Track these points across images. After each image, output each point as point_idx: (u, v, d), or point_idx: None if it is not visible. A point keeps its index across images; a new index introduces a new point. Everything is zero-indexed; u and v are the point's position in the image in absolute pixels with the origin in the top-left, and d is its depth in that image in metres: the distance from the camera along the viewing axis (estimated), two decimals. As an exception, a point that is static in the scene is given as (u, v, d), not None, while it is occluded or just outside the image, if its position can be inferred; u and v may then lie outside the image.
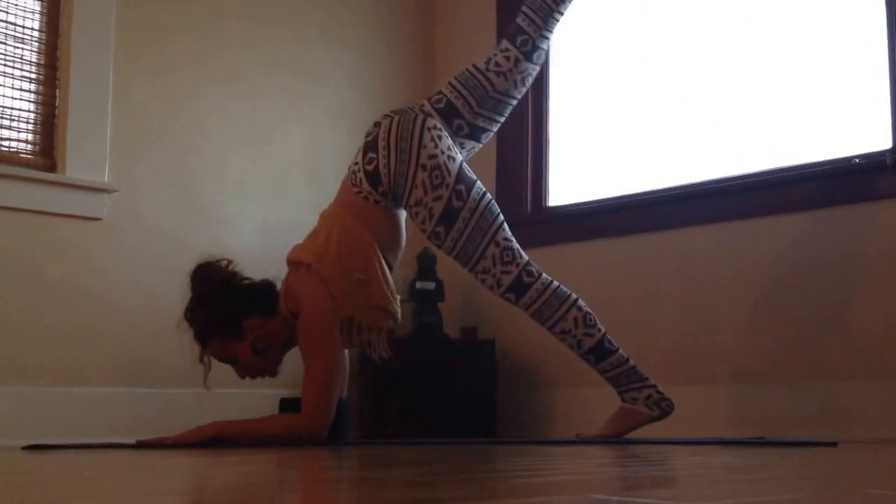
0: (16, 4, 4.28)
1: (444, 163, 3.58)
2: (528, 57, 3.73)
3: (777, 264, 4.29)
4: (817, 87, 4.34)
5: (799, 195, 4.26)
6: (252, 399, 3.92)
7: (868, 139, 4.16)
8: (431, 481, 1.71)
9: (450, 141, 3.66)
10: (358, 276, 3.52)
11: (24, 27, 4.29)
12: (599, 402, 4.67)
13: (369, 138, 3.65)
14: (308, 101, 5.06)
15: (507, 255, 3.62)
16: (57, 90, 4.34)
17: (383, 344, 3.67)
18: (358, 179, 3.61)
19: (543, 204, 5.22)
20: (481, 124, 3.78)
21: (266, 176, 4.86)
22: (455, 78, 3.78)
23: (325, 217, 3.68)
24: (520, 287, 3.63)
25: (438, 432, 4.57)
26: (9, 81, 4.24)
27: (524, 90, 3.83)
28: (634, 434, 3.75)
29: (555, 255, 4.97)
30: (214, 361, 3.61)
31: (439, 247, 3.66)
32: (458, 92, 3.73)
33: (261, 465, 2.27)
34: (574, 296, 3.67)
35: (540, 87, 5.24)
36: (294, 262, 3.60)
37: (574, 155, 5.17)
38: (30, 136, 4.27)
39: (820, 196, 4.20)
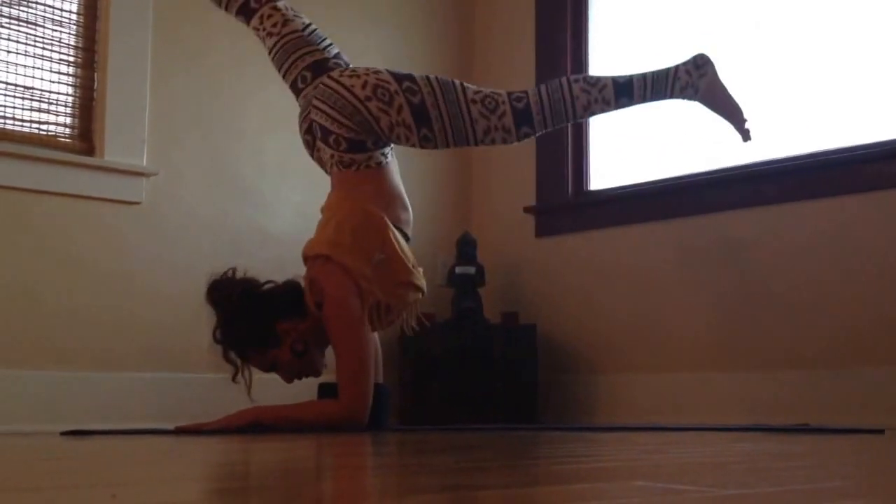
0: (53, -13, 4.27)
1: (376, 79, 3.55)
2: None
3: (823, 249, 4.24)
4: (863, 68, 4.28)
5: (846, 178, 4.20)
6: (291, 384, 3.89)
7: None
8: (472, 468, 1.69)
9: (361, 66, 3.64)
10: (379, 257, 3.47)
11: (62, 10, 4.29)
12: (641, 388, 4.66)
13: (319, 134, 3.62)
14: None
15: (490, 103, 3.60)
16: (95, 73, 4.34)
17: (413, 318, 3.64)
18: (347, 161, 3.57)
19: (585, 187, 5.18)
20: (335, 49, 3.80)
21: (305, 159, 4.82)
22: (281, 66, 3.81)
23: (328, 208, 3.63)
24: (522, 115, 3.61)
25: (479, 418, 4.55)
26: (47, 65, 4.23)
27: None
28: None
29: (596, 238, 4.94)
30: (255, 371, 3.56)
31: (436, 146, 3.64)
32: (297, 58, 3.76)
33: (299, 451, 2.26)
34: (563, 77, 3.69)
35: (580, 68, 5.21)
36: (311, 257, 3.55)
37: (616, 137, 5.12)
38: (68, 120, 4.27)
39: (869, 178, 4.14)
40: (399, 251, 3.51)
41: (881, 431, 3.14)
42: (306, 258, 3.56)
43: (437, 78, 3.61)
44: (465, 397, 4.68)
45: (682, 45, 4.86)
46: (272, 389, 3.56)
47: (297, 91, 3.77)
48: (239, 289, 3.53)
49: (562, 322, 4.99)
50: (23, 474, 1.67)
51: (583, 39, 5.27)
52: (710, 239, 4.57)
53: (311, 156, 3.77)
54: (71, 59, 4.30)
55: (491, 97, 3.61)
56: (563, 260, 5.08)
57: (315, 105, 3.59)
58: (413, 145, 3.61)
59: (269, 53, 3.82)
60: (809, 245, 4.26)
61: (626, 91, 3.68)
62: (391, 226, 3.52)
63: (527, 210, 5.23)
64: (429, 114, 3.55)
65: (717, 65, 3.78)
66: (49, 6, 4.25)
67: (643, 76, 3.70)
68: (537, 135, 3.68)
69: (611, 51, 5.19)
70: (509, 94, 3.62)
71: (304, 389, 3.64)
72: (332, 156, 3.58)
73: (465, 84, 3.63)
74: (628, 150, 5.05)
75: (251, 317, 3.48)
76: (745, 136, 3.83)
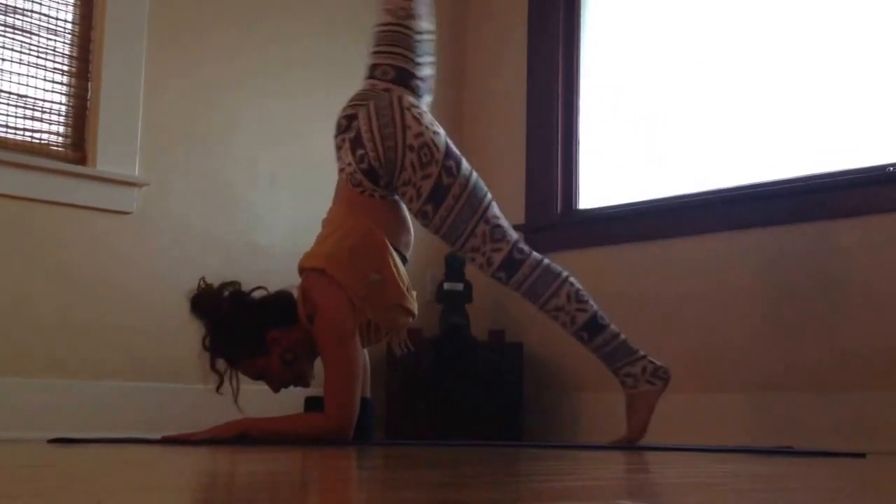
0: (50, -4, 4.28)
1: (431, 139, 3.55)
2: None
3: (809, 272, 4.25)
4: (850, 93, 4.30)
5: (832, 202, 4.22)
6: (278, 396, 3.90)
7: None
8: (456, 483, 1.70)
9: (429, 116, 3.64)
10: (375, 277, 3.47)
11: (56, 19, 4.30)
12: (624, 407, 4.66)
13: (352, 134, 3.61)
14: (340, 98, 5.00)
15: (498, 233, 3.60)
16: (89, 83, 4.35)
17: (403, 341, 3.65)
18: (357, 180, 3.56)
19: (574, 206, 5.19)
20: (428, 71, 3.77)
21: (297, 172, 4.85)
22: (377, 45, 3.75)
23: (330, 221, 3.62)
24: (511, 264, 3.60)
25: (465, 434, 4.56)
26: (41, 73, 4.24)
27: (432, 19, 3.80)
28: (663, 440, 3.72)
29: (584, 258, 4.94)
30: (244, 379, 3.56)
31: (426, 225, 3.62)
32: (393, 53, 3.71)
33: (284, 463, 2.26)
34: (565, 272, 3.66)
35: (570, 88, 5.22)
36: (306, 269, 3.56)
37: (605, 157, 5.13)
38: (61, 129, 4.28)
39: (854, 204, 4.16)
40: (395, 274, 3.51)
41: (863, 455, 3.15)
42: (302, 269, 3.57)
43: (476, 181, 3.61)
44: (451, 413, 4.69)
45: (676, 57, 4.89)
46: (259, 401, 3.56)
47: (370, 75, 3.74)
48: (227, 298, 3.54)
49: (548, 340, 4.99)
50: (4, 481, 1.67)
51: (574, 48, 5.27)
52: (698, 260, 4.59)
53: (335, 137, 3.74)
54: (65, 68, 4.31)
55: (500, 231, 3.61)
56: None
57: (369, 109, 3.59)
58: (411, 210, 3.62)
59: (376, 25, 3.77)
60: (797, 268, 4.28)
61: (594, 332, 3.67)
62: (391, 247, 3.53)
63: (515, 228, 5.22)
64: (443, 201, 3.55)
65: (667, 389, 3.74)
66: (44, 15, 4.26)
67: (615, 335, 3.68)
68: (504, 284, 3.67)
69: (602, 70, 5.20)
70: (517, 241, 3.63)
71: (291, 402, 3.65)
72: (350, 164, 3.58)
73: (493, 204, 3.63)
74: (617, 169, 5.06)
75: (242, 322, 3.48)
76: (616, 444, 3.74)
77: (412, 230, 3.70)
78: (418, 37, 3.74)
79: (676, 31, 4.94)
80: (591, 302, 3.67)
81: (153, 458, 2.44)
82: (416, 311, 3.62)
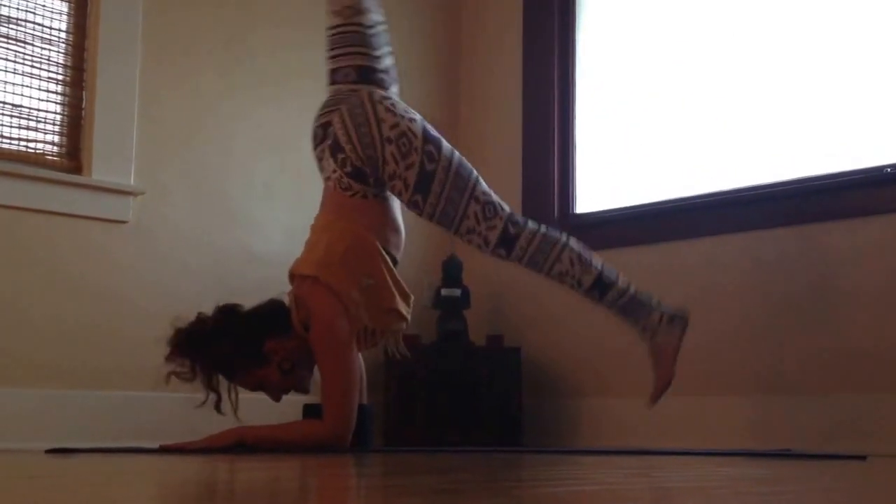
0: (43, 5, 4.27)
1: (408, 127, 3.52)
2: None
3: (808, 275, 4.25)
4: (849, 94, 4.29)
5: (831, 204, 4.22)
6: (277, 404, 3.89)
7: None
8: (456, 489, 1.69)
9: (402, 104, 3.62)
10: (367, 281, 3.46)
11: (51, 28, 4.29)
12: (625, 411, 4.66)
13: (329, 141, 3.58)
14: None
15: (489, 210, 3.57)
16: (83, 92, 4.34)
17: (399, 345, 3.64)
18: (346, 184, 3.53)
19: (571, 210, 5.18)
20: (389, 61, 3.76)
21: (293, 181, 4.84)
22: (333, 48, 3.74)
23: (319, 227, 3.60)
24: (508, 240, 3.57)
25: (463, 440, 4.55)
26: (35, 83, 4.23)
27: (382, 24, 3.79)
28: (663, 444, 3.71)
29: (582, 262, 4.93)
30: (242, 391, 3.55)
31: (419, 214, 3.59)
32: (350, 54, 3.70)
33: (282, 471, 2.25)
34: (564, 236, 3.63)
35: (566, 93, 5.22)
36: (298, 276, 3.54)
37: (602, 160, 5.13)
38: (56, 138, 4.27)
39: (853, 205, 4.16)
40: (387, 278, 3.50)
41: (863, 458, 3.14)
42: (293, 277, 3.56)
43: (459, 160, 3.58)
44: (450, 419, 4.68)
45: (671, 61, 4.88)
46: (257, 409, 3.55)
47: (333, 81, 3.73)
48: (216, 315, 3.51)
49: (547, 345, 4.99)
50: (5, 493, 1.66)
51: (569, 52, 5.27)
52: (696, 263, 4.58)
53: (314, 149, 3.73)
54: (59, 77, 4.30)
55: (493, 206, 3.57)
56: (549, 283, 5.07)
57: (342, 113, 3.57)
58: (402, 201, 3.60)
59: (329, 29, 3.76)
60: (795, 270, 4.28)
61: (603, 290, 3.64)
62: (382, 251, 3.52)
63: (513, 233, 5.23)
64: (431, 187, 3.52)
65: (687, 332, 3.73)
66: (38, 24, 4.26)
67: (626, 289, 3.66)
68: (506, 260, 3.65)
69: (599, 72, 5.20)
70: (510, 214, 3.59)
71: (289, 410, 3.64)
72: (335, 171, 3.56)
73: (480, 180, 3.59)
74: (615, 173, 5.06)
75: (236, 337, 3.47)
76: (652, 399, 3.75)
77: (403, 231, 3.69)
78: (371, 31, 3.73)
79: (672, 36, 4.93)
80: (595, 261, 3.64)
81: (151, 467, 2.43)
82: (409, 318, 3.61)
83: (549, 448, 4.43)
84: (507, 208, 3.60)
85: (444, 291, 4.93)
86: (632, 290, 3.67)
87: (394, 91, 3.74)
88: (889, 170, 4.12)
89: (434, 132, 3.60)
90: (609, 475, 2.14)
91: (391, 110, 3.54)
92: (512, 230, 3.57)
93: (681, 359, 4.44)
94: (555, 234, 3.63)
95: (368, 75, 3.68)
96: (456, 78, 5.64)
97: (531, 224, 3.61)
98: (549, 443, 4.89)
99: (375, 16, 3.76)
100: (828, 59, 4.37)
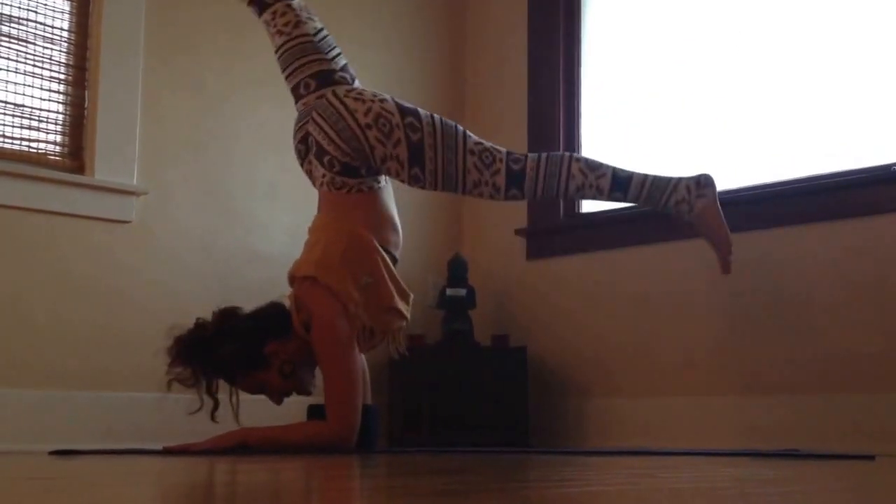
0: (45, 4, 4.26)
1: (381, 108, 3.52)
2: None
3: (815, 274, 4.23)
4: (849, 94, 4.28)
5: (838, 203, 4.20)
6: (282, 405, 3.88)
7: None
8: (462, 491, 1.68)
9: (368, 91, 3.61)
10: (367, 280, 3.45)
11: (52, 27, 4.28)
12: (631, 411, 4.64)
13: (313, 150, 3.59)
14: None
15: (487, 157, 3.56)
16: (86, 91, 4.33)
17: (399, 345, 3.62)
18: (339, 182, 3.53)
19: (576, 210, 5.17)
20: (343, 60, 3.75)
21: (296, 180, 4.81)
22: (286, 67, 3.74)
23: (317, 229, 3.60)
24: (515, 176, 3.57)
25: (469, 441, 4.53)
26: (37, 82, 4.22)
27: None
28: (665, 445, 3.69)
29: (588, 261, 4.93)
30: (241, 394, 3.54)
31: (423, 187, 3.60)
32: (303, 65, 3.69)
33: (287, 472, 2.24)
34: (567, 153, 3.65)
35: (572, 89, 5.21)
36: (297, 278, 3.53)
37: (609, 159, 5.10)
38: (58, 138, 4.26)
39: (861, 204, 4.14)
40: (386, 276, 3.49)
41: (871, 458, 3.13)
42: (292, 279, 3.55)
43: (441, 120, 3.58)
44: (455, 419, 4.66)
45: (676, 58, 4.87)
46: (259, 411, 3.54)
47: (297, 97, 3.73)
48: (214, 320, 3.50)
49: (552, 345, 4.97)
50: (6, 494, 1.65)
51: (575, 50, 5.26)
52: (701, 263, 4.56)
53: (301, 165, 3.74)
54: (62, 76, 4.29)
55: (489, 152, 3.57)
56: (554, 283, 5.07)
57: (315, 119, 3.57)
58: (402, 181, 3.58)
59: (276, 52, 3.76)
60: (802, 270, 4.26)
61: (622, 186, 3.63)
62: (380, 249, 3.51)
63: (518, 232, 5.22)
64: (424, 155, 3.52)
65: (717, 189, 3.71)
66: (41, 24, 4.25)
67: (644, 177, 3.64)
68: (524, 199, 3.65)
69: (604, 70, 5.18)
70: (508, 153, 3.59)
71: (292, 411, 3.62)
72: (325, 175, 3.56)
73: (468, 133, 3.59)
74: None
75: (236, 341, 3.45)
76: (725, 268, 3.76)
77: (400, 231, 3.68)
78: (317, 37, 3.73)
79: (674, 36, 4.92)
80: (604, 162, 3.65)
81: (155, 468, 2.42)
82: (409, 317, 3.60)
83: (555, 449, 4.42)
84: (502, 149, 3.61)
85: (449, 291, 4.92)
86: (650, 176, 3.66)
87: (357, 85, 3.73)
88: (895, 168, 4.11)
89: (407, 104, 3.60)
90: (617, 476, 2.13)
91: (359, 98, 3.54)
92: (515, 167, 3.57)
93: (686, 359, 4.44)
94: (555, 154, 3.66)
95: (328, 78, 3.68)
96: (461, 77, 5.62)
97: (531, 155, 3.63)
98: (556, 443, 4.88)
99: (315, 23, 3.77)
100: (828, 60, 4.37)
